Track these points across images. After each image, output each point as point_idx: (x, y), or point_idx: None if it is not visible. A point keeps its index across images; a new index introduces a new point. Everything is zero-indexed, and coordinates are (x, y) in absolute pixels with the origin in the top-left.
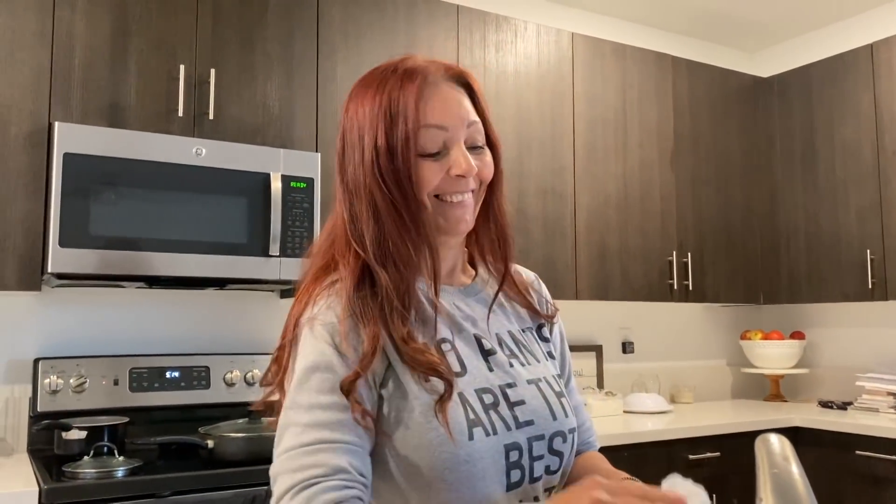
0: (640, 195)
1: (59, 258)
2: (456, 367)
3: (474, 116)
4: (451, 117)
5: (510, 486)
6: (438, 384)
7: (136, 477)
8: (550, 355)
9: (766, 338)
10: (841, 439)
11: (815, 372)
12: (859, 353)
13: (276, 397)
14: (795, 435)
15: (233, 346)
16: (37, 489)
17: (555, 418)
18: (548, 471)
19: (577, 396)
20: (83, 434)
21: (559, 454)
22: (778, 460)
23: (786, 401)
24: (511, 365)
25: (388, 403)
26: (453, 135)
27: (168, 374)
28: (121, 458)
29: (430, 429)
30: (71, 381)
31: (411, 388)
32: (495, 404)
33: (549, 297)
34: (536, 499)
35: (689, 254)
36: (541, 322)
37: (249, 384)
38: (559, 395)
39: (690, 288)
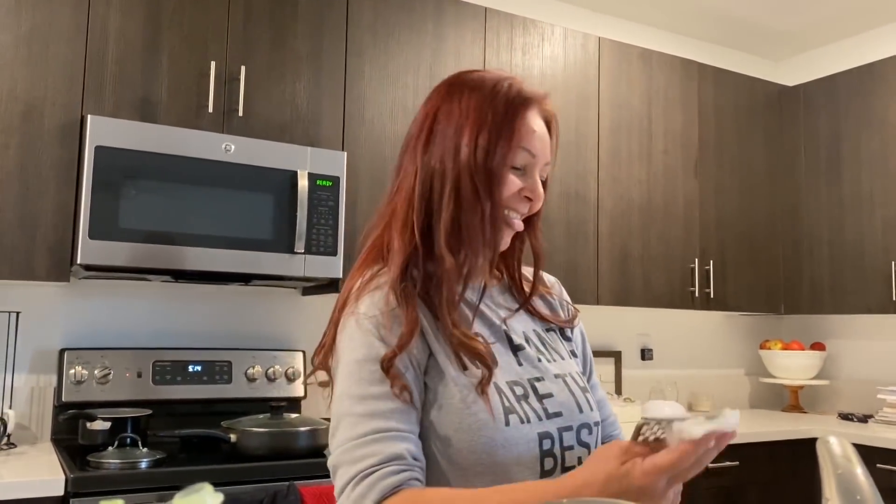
0: (663, 202)
1: (88, 250)
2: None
3: (550, 158)
4: (541, 150)
5: (543, 474)
6: (477, 371)
7: (160, 469)
8: (573, 353)
9: (785, 348)
10: (861, 452)
11: (835, 384)
12: (881, 365)
13: (323, 377)
14: (814, 447)
15: (255, 341)
16: (63, 477)
17: (581, 411)
18: (580, 462)
19: (601, 391)
20: (107, 425)
21: (587, 445)
22: (841, 461)
23: (805, 412)
24: (539, 360)
25: (430, 390)
26: (536, 164)
27: (190, 368)
28: (144, 450)
29: (469, 413)
30: (96, 372)
31: (450, 373)
32: (525, 396)
33: (568, 300)
34: None
35: (712, 261)
36: (561, 325)
37: (271, 380)
38: (584, 389)
39: (712, 296)
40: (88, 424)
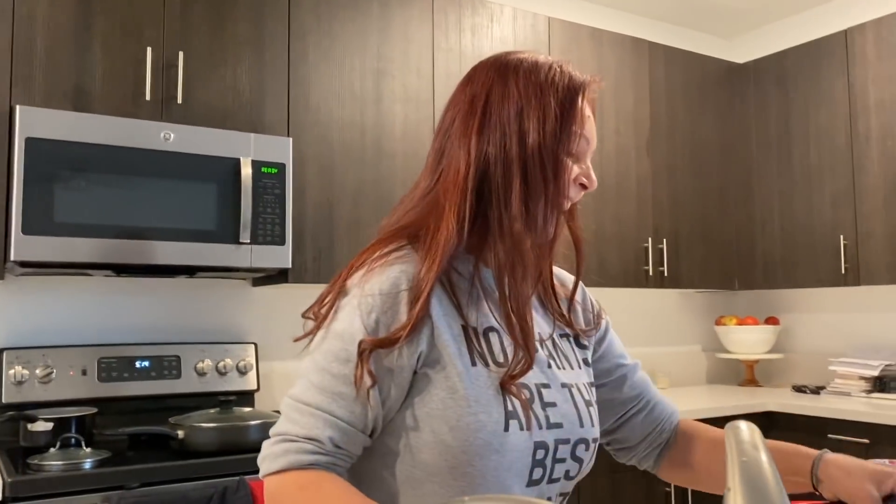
0: (616, 181)
1: (21, 246)
2: (499, 358)
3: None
4: (593, 136)
5: (530, 483)
6: (492, 369)
7: (104, 469)
8: (586, 362)
9: (740, 323)
10: (813, 423)
11: (789, 357)
12: (832, 337)
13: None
14: (769, 419)
15: (204, 334)
16: (0, 482)
17: (582, 425)
18: (566, 475)
19: (642, 372)
20: (49, 426)
21: (580, 461)
22: (747, 448)
23: (760, 385)
24: (549, 365)
25: (429, 382)
26: (589, 150)
27: (138, 364)
28: (88, 450)
29: (470, 413)
30: (37, 371)
31: (458, 368)
32: (531, 401)
33: (594, 300)
34: (550, 499)
35: (665, 240)
36: (581, 333)
37: (222, 373)
38: (588, 403)
39: (666, 274)
40: (29, 426)
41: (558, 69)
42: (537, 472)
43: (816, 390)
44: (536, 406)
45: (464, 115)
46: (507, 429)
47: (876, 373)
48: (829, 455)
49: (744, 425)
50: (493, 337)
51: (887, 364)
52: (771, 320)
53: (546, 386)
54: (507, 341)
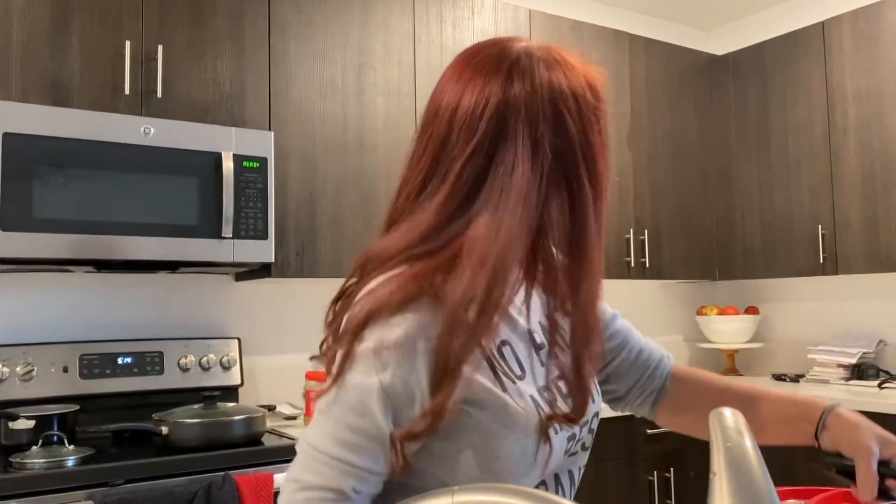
0: None
1: (0, 242)
2: (517, 371)
3: None
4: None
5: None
6: (516, 386)
7: (88, 466)
8: None
9: (721, 313)
10: None
11: (769, 346)
12: (811, 326)
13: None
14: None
15: (187, 330)
16: None
17: (594, 401)
18: (583, 447)
19: (623, 320)
20: (31, 423)
21: (593, 432)
22: (732, 434)
23: (741, 374)
24: (557, 356)
25: (474, 416)
26: None
27: (120, 361)
28: (71, 447)
29: (520, 444)
30: (18, 369)
31: (494, 401)
32: (554, 400)
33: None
34: (572, 472)
35: (646, 231)
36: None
37: (204, 369)
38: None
39: (647, 265)
40: (10, 424)
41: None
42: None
43: (796, 378)
44: (560, 402)
45: (519, 106)
46: (547, 440)
47: (854, 360)
48: (843, 408)
49: (728, 412)
50: (507, 350)
51: (865, 352)
52: (751, 310)
53: (560, 378)
54: (521, 348)
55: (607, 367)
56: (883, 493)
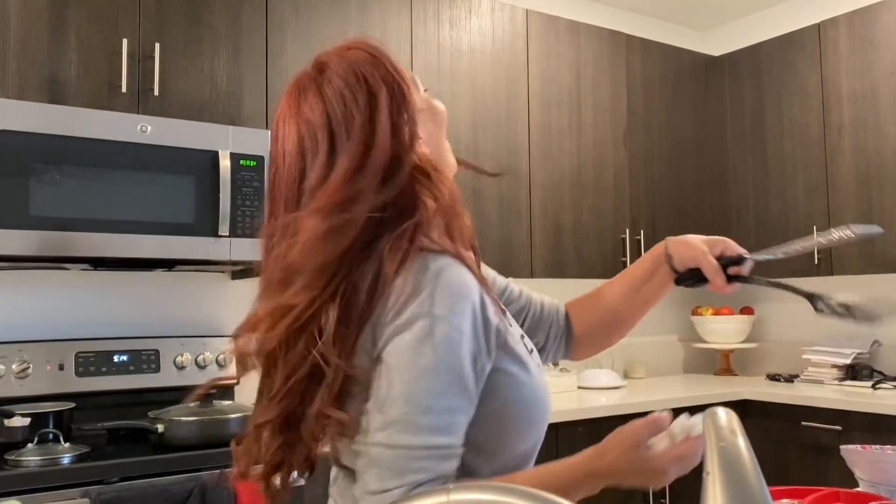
0: (593, 173)
1: None
2: (510, 319)
3: None
4: None
5: None
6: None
7: (83, 464)
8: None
9: (716, 313)
10: (787, 411)
11: (764, 346)
12: (805, 327)
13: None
14: (744, 407)
15: (183, 328)
16: None
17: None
18: None
19: (514, 284)
20: (27, 421)
21: None
22: (725, 434)
23: (736, 374)
24: (523, 336)
25: (507, 372)
26: None
27: (116, 358)
28: (66, 445)
29: (541, 386)
30: (13, 366)
31: (522, 352)
32: (531, 350)
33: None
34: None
35: (642, 231)
36: None
37: (201, 367)
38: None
39: None
40: (6, 421)
41: None
42: None
43: (790, 378)
44: (535, 354)
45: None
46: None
47: (848, 361)
48: (673, 237)
49: (721, 411)
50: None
51: (859, 352)
52: (746, 310)
53: (523, 336)
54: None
55: (523, 326)
56: (733, 279)
